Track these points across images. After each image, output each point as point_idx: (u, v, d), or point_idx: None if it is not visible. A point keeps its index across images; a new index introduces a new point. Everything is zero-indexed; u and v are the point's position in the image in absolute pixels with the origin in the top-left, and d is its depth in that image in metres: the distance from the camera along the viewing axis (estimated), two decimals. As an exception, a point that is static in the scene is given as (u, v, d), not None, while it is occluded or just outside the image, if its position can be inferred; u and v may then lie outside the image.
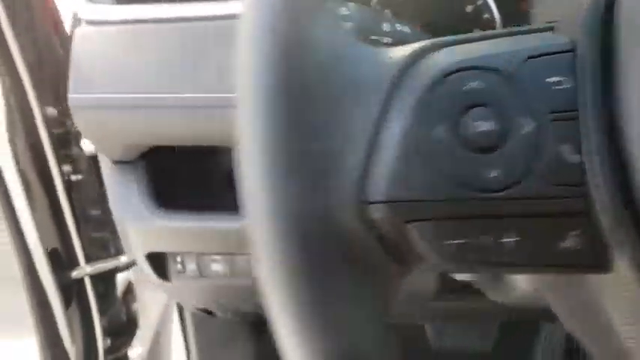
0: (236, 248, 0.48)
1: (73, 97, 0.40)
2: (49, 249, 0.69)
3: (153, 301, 0.77)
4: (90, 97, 0.39)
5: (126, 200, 0.45)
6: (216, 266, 0.48)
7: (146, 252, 0.48)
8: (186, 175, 0.47)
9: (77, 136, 0.75)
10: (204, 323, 0.74)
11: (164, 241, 0.47)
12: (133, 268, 0.77)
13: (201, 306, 0.59)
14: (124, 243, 0.48)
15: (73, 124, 0.76)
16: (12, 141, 0.61)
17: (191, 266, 0.49)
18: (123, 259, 0.74)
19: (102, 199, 0.79)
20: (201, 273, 0.49)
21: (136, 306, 0.87)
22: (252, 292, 0.52)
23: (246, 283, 0.50)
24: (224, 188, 0.47)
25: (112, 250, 0.84)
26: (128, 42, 0.40)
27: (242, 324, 0.78)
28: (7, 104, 0.60)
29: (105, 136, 0.41)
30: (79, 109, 0.40)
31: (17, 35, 0.61)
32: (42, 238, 0.67)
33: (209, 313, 0.63)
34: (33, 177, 0.66)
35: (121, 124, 0.40)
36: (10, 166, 0.63)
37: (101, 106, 0.39)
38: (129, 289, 0.86)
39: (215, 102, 0.39)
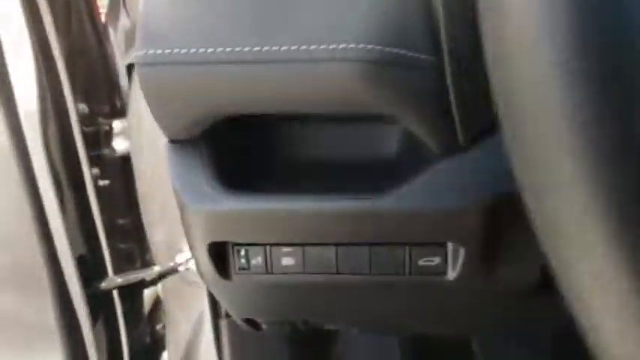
0: (312, 237, 0.42)
1: (140, 54, 0.35)
2: (76, 256, 0.64)
3: (184, 319, 0.70)
4: (163, 53, 0.35)
5: (188, 180, 0.40)
6: (287, 260, 0.43)
7: (209, 241, 0.42)
8: (256, 153, 0.43)
9: (108, 136, 0.70)
10: (242, 342, 0.68)
11: (230, 229, 0.42)
12: (163, 281, 0.71)
13: (253, 314, 0.53)
14: (185, 234, 0.42)
15: (104, 123, 0.71)
16: (44, 136, 0.57)
17: (256, 260, 0.43)
18: (155, 269, 0.68)
19: (130, 207, 0.74)
20: (268, 268, 0.44)
21: (162, 326, 0.81)
22: (318, 290, 0.47)
23: (314, 280, 0.45)
24: (300, 166, 0.43)
25: (139, 264, 0.78)
26: None
27: (283, 343, 0.72)
28: (42, 97, 0.55)
29: (175, 99, 0.36)
30: (149, 68, 0.35)
31: (56, 25, 0.57)
32: (71, 244, 0.62)
33: (255, 325, 0.57)
34: (64, 177, 0.61)
35: (201, 81, 0.35)
36: (41, 165, 0.58)
37: (176, 62, 0.34)
38: (155, 308, 0.80)
39: (301, 55, 0.34)
